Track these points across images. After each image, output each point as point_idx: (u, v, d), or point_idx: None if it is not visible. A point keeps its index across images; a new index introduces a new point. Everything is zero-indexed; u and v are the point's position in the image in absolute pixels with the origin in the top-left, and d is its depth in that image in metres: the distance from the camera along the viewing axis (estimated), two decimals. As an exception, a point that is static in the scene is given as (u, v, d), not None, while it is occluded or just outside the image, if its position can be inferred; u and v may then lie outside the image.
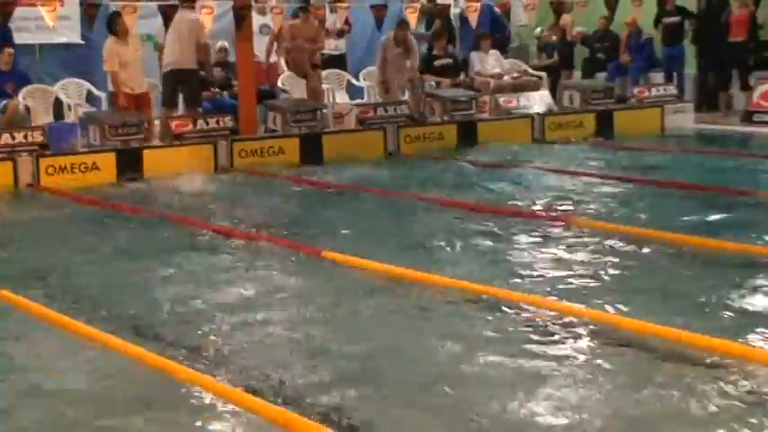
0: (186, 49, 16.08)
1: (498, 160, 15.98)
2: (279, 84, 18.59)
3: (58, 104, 17.36)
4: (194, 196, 13.74)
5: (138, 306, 8.62)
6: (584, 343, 7.24)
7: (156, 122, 16.15)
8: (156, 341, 7.73)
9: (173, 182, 14.30)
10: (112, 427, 6.01)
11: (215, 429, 5.97)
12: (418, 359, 7.15)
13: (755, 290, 8.44)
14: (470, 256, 10.10)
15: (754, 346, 7.02)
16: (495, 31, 21.43)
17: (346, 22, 19.71)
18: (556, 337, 7.34)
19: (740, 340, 7.17)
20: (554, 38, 22.01)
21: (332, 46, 19.25)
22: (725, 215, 11.55)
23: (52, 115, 16.98)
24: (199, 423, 6.03)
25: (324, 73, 18.67)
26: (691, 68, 21.09)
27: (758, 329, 7.34)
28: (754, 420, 5.83)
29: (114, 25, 16.09)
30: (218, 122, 16.18)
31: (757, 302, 8.15)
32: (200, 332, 7.84)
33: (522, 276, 9.12)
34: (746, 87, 20.20)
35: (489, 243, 10.57)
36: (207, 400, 6.28)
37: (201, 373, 6.73)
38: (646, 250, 9.99)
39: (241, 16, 16.50)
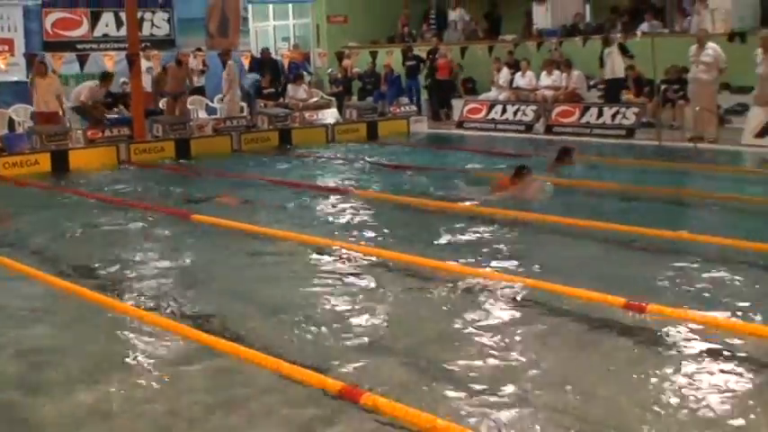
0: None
1: (305, 153, 16.26)
2: (160, 105, 18.66)
3: (11, 122, 17.21)
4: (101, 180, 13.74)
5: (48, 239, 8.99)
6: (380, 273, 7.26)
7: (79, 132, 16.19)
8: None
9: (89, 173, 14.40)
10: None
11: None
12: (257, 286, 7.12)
13: (449, 231, 8.71)
14: (293, 215, 10.13)
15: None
16: (304, 69, 22.05)
17: (204, 63, 19.92)
18: (359, 271, 7.34)
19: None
20: (339, 75, 22.45)
21: (195, 80, 19.35)
22: (442, 183, 11.92)
23: (7, 128, 16.85)
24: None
25: (190, 98, 18.83)
26: (424, 95, 21.87)
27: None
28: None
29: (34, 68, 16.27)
30: (119, 131, 16.29)
31: (446, 240, 8.47)
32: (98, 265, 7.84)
33: (323, 227, 9.21)
34: (449, 107, 21.36)
35: (303, 206, 10.67)
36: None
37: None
38: (400, 210, 10.29)
39: (132, 61, 16.46)
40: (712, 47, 15.96)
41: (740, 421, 4.32)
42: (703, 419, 4.36)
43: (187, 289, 7.09)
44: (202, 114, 18.88)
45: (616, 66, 18.16)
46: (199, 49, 20.10)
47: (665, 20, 21.06)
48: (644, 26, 20.42)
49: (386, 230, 9.12)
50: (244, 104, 19.62)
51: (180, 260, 8.07)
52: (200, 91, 19.73)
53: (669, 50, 17.51)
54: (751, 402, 4.52)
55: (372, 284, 6.95)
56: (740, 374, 4.87)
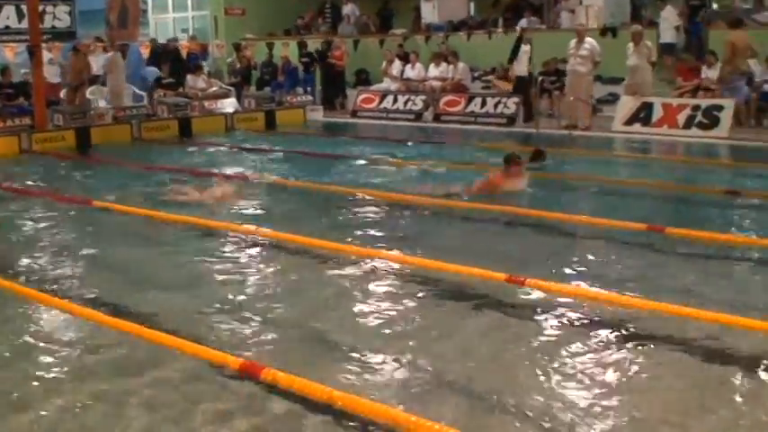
0: None
1: (205, 141, 15.91)
2: (61, 95, 18.13)
3: None
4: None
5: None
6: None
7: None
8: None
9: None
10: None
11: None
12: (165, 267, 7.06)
13: (347, 214, 8.79)
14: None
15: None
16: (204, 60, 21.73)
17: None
18: (257, 253, 7.33)
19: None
20: (239, 65, 22.20)
21: (94, 70, 18.83)
22: (332, 168, 11.93)
23: None
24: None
25: (90, 88, 18.32)
26: (319, 84, 21.81)
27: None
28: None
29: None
30: (21, 121, 15.75)
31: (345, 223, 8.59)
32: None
33: (223, 212, 8.98)
34: (344, 96, 21.29)
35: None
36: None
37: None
38: (297, 195, 10.16)
39: (33, 52, 15.95)
40: (590, 41, 16.42)
41: (610, 382, 4.47)
42: (578, 384, 4.47)
43: (86, 273, 6.92)
44: (102, 104, 18.37)
45: (525, 63, 18.20)
46: (99, 40, 19.58)
47: (542, 16, 21.51)
48: (523, 22, 20.80)
49: (284, 214, 9.09)
50: (143, 94, 19.21)
51: (81, 246, 7.84)
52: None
53: (546, 45, 17.92)
54: (620, 366, 4.66)
55: (270, 265, 6.92)
56: (611, 342, 5.01)
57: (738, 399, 4.25)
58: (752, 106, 15.84)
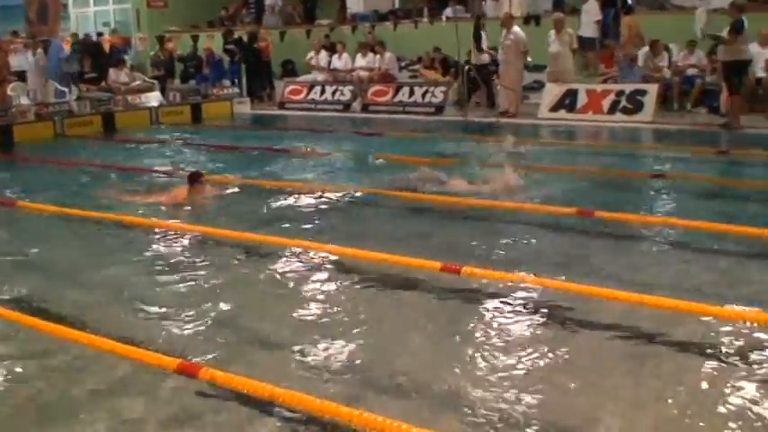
0: None
1: (130, 136, 15.60)
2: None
3: None
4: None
5: None
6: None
7: None
8: None
9: None
10: None
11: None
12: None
13: (278, 208, 8.71)
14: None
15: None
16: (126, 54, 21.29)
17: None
18: (187, 248, 7.29)
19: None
20: (162, 58, 21.80)
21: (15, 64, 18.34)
22: (263, 162, 11.82)
23: None
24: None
25: (11, 85, 17.76)
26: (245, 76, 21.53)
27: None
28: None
29: None
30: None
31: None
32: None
33: (150, 209, 8.77)
34: (271, 88, 21.20)
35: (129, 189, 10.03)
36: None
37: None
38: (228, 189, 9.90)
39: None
40: (514, 31, 16.54)
41: (541, 365, 4.51)
42: (511, 369, 4.49)
43: (10, 275, 6.69)
44: (24, 101, 17.87)
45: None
46: (15, 34, 19.05)
47: (467, 5, 21.63)
48: (448, 11, 20.91)
49: (217, 210, 8.94)
50: (66, 90, 18.73)
51: (4, 248, 7.62)
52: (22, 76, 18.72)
53: (471, 33, 18.00)
54: (553, 348, 4.71)
55: (204, 261, 6.78)
56: (546, 325, 5.07)
57: (658, 378, 4.32)
58: (675, 90, 16.19)
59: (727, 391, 4.13)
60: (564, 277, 5.80)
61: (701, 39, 15.78)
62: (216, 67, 21.14)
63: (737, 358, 4.49)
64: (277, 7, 24.52)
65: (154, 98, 18.71)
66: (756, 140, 12.49)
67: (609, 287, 5.37)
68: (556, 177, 10.12)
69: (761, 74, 14.93)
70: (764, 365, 4.42)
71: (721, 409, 3.95)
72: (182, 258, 6.90)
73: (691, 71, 16.33)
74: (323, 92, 19.69)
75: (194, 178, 9.31)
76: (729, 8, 13.72)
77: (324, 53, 20.98)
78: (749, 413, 3.90)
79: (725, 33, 13.53)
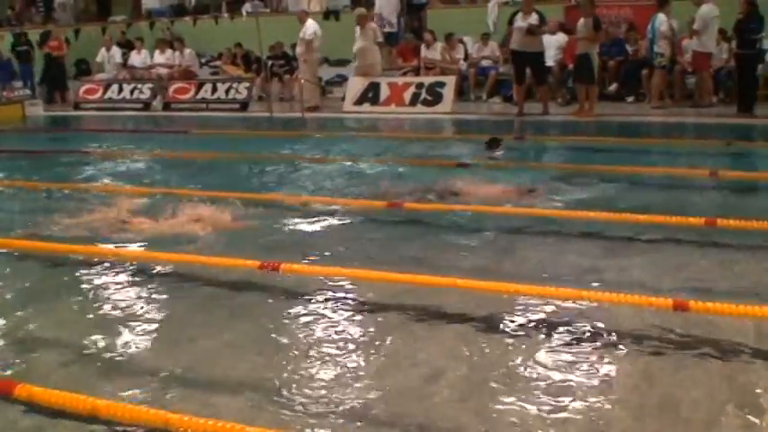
0: None
1: None
2: None
3: None
4: None
5: None
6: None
7: None
8: None
9: None
10: None
11: None
12: None
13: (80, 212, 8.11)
14: None
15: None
16: None
17: None
18: None
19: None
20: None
21: None
22: (55, 166, 11.29)
23: None
24: None
25: None
26: (38, 77, 20.45)
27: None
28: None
29: None
30: None
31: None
32: None
33: None
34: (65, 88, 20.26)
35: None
36: None
37: None
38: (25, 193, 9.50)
39: None
40: (307, 24, 16.58)
41: (359, 359, 4.53)
42: (334, 364, 4.47)
43: None
44: None
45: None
46: None
47: (265, 0, 21.57)
48: (247, 6, 20.77)
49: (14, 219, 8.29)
50: None
51: None
52: None
53: (272, 28, 17.99)
54: (371, 341, 4.74)
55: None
56: (364, 317, 5.11)
57: (470, 354, 4.45)
58: (471, 81, 16.84)
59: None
60: (378, 267, 5.79)
61: (493, 32, 16.53)
62: (4, 69, 19.95)
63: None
64: (68, 4, 23.47)
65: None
66: (550, 126, 13.18)
67: (427, 275, 5.51)
68: (365, 170, 10.19)
69: (550, 62, 15.78)
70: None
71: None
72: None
73: (485, 62, 17.04)
74: (121, 90, 19.03)
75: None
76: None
77: (117, 50, 20.28)
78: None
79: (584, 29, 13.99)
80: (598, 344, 4.52)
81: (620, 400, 3.90)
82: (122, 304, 5.53)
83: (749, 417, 3.68)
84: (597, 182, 8.77)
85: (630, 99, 15.62)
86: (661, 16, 14.31)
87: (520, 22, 14.09)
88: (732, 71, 14.45)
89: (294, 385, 4.18)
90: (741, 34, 13.54)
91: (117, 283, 5.98)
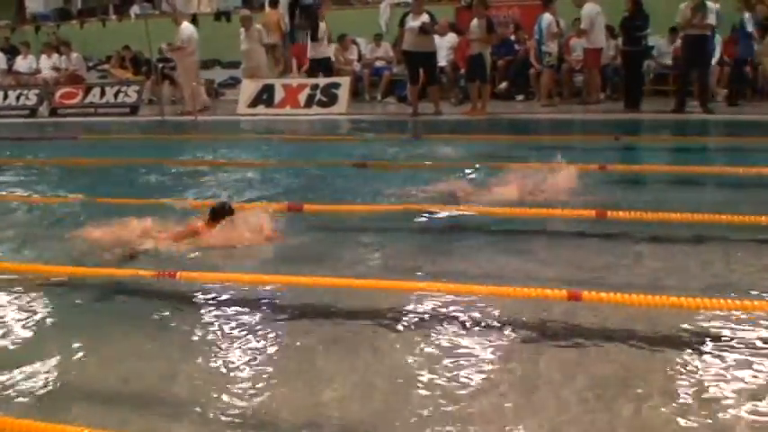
0: None
1: None
2: None
3: None
4: None
5: None
6: None
7: None
8: None
9: None
10: None
11: None
12: None
13: None
14: None
15: None
16: None
17: None
18: None
19: None
20: None
21: None
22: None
23: None
24: None
25: None
26: None
27: None
28: None
29: None
30: None
31: None
32: None
33: None
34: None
35: None
36: None
37: None
38: None
39: None
40: (181, 28, 16.25)
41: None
42: (234, 367, 4.36)
43: None
44: None
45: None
46: None
47: (153, 2, 21.15)
48: (135, 8, 20.32)
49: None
50: None
51: None
52: None
53: (162, 30, 17.63)
54: (281, 342, 4.66)
55: None
56: (263, 320, 4.99)
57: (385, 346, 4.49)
58: (365, 82, 16.90)
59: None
60: (282, 270, 5.80)
61: (386, 33, 16.60)
62: None
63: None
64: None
65: None
66: (445, 126, 13.30)
67: (329, 276, 5.51)
68: (262, 172, 10.08)
69: (442, 63, 15.96)
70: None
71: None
72: None
73: (379, 63, 17.12)
74: (6, 97, 18.37)
75: None
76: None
77: (1, 55, 19.59)
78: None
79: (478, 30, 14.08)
80: (489, 336, 4.55)
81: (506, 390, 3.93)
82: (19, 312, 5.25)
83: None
84: (494, 177, 8.88)
85: (520, 97, 15.94)
86: (547, 16, 14.65)
87: (411, 22, 14.19)
88: (619, 68, 14.90)
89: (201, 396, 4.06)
90: (627, 31, 13.97)
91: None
